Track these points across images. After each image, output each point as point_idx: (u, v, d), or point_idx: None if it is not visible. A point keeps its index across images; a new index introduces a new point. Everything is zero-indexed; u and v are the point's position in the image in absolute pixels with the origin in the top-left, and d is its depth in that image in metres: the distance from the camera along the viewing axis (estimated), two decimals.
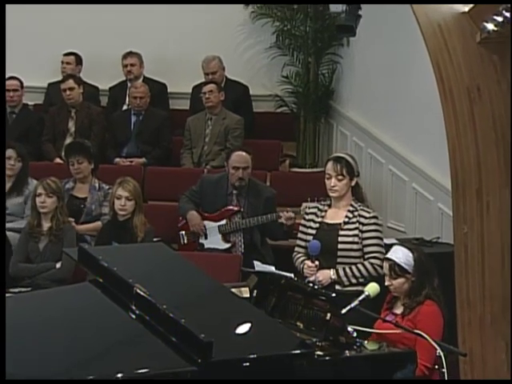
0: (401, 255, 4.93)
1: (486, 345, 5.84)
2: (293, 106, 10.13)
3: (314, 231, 5.78)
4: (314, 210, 5.89)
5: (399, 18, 6.74)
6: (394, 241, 6.15)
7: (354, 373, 4.18)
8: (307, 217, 5.92)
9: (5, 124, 8.44)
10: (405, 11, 5.92)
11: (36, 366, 3.72)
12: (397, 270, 4.91)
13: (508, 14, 4.78)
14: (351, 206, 5.77)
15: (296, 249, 5.92)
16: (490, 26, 5.20)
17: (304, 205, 6.23)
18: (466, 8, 5.62)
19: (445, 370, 4.22)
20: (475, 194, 5.83)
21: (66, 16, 9.75)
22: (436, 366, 4.34)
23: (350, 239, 5.69)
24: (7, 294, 5.59)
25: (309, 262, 5.64)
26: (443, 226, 6.96)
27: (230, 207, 7.04)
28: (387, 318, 4.81)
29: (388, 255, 5.01)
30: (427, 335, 4.40)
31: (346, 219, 5.73)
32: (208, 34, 9.68)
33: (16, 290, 6.31)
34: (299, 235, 5.94)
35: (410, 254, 4.93)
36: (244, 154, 7.05)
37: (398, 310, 4.95)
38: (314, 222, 5.82)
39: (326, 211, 5.82)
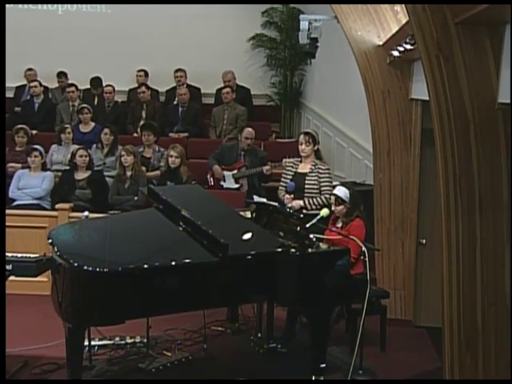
0: (342, 192, 4.91)
1: (391, 244, 5.90)
2: (277, 101, 10.03)
3: (290, 177, 5.72)
4: (291, 164, 5.84)
5: (342, 47, 6.64)
6: (338, 183, 6.14)
7: (314, 262, 4.20)
8: (287, 168, 5.85)
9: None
10: (345, 43, 5.85)
11: (123, 256, 3.75)
12: (339, 200, 4.89)
13: (407, 46, 4.71)
14: (313, 162, 5.69)
15: (280, 188, 5.87)
16: (396, 53, 5.15)
17: (284, 160, 6.18)
18: (381, 42, 5.58)
19: (367, 259, 4.25)
20: (386, 154, 5.84)
21: (138, 45, 9.63)
22: (362, 257, 4.34)
23: (312, 182, 5.63)
24: (106, 214, 5.60)
25: (287, 195, 5.63)
26: (367, 174, 6.95)
27: (238, 162, 7.03)
28: (333, 229, 4.83)
29: (334, 191, 4.99)
30: (356, 238, 4.42)
31: (310, 170, 5.66)
32: (226, 57, 9.54)
33: (112, 212, 6.31)
34: (282, 179, 5.86)
35: (347, 191, 4.91)
36: (251, 130, 7.00)
37: (339, 225, 4.94)
38: (291, 171, 5.77)
39: (298, 165, 5.77)
